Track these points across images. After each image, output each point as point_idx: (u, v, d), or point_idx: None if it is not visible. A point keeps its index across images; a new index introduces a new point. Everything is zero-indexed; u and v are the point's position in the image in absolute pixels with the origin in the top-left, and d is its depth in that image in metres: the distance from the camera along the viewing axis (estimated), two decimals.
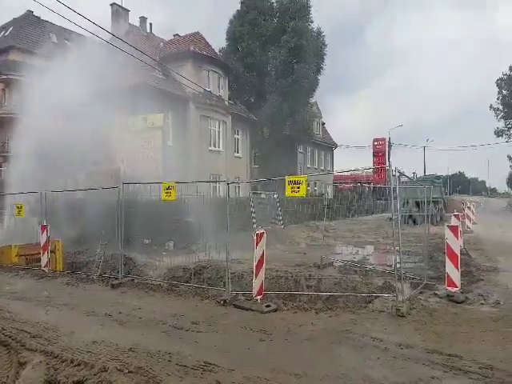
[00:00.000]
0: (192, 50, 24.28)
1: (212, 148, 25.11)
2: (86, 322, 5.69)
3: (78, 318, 5.90)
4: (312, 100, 36.25)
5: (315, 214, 19.56)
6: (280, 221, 18.21)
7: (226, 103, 26.80)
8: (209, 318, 5.72)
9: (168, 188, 7.72)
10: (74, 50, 15.20)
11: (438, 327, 5.22)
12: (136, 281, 8.24)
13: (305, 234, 17.24)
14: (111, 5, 26.67)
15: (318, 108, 40.82)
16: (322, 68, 32.98)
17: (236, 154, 28.83)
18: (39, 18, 31.28)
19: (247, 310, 6.14)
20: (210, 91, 24.49)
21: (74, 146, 13.35)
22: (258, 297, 6.24)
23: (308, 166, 39.50)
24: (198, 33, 26.72)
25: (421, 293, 6.88)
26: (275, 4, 32.41)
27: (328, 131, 46.95)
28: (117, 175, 12.42)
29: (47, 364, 4.03)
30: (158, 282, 8.12)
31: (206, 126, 24.71)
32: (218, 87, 25.93)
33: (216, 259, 9.73)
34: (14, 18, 32.16)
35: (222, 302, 6.46)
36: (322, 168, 42.87)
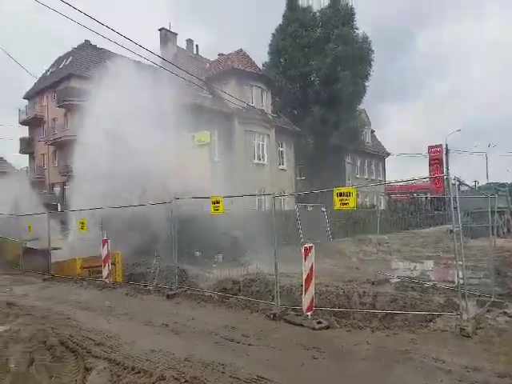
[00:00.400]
0: (235, 67, 25.05)
1: (257, 161, 25.52)
2: (145, 331, 6.01)
3: (137, 327, 6.25)
4: (360, 107, 35.57)
5: (367, 226, 19.07)
6: (329, 234, 17.99)
7: (269, 116, 27.21)
8: (259, 332, 5.80)
9: (216, 202, 7.98)
10: (127, 74, 16.25)
11: (509, 349, 4.87)
12: (189, 292, 8.55)
13: (356, 248, 16.78)
14: (160, 30, 28.24)
15: (366, 115, 39.94)
16: (369, 74, 32.15)
17: (281, 167, 29.02)
18: (96, 46, 33.80)
19: (298, 325, 6.10)
20: (253, 106, 25.04)
21: (129, 164, 14.20)
22: (309, 312, 6.19)
23: (357, 176, 38.64)
24: (241, 50, 27.54)
25: (488, 311, 6.46)
26: (318, 14, 32.57)
27: (378, 139, 45.68)
28: (168, 191, 13.03)
29: (110, 370, 4.33)
30: (209, 294, 8.38)
31: (251, 139, 25.22)
32: (261, 101, 26.46)
33: (264, 272, 9.83)
34: (74, 48, 35.04)
35: (271, 316, 6.49)
36: (373, 178, 41.57)
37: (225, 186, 17.25)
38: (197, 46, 31.59)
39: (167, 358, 4.68)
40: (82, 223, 10.69)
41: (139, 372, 4.24)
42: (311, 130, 30.12)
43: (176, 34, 28.84)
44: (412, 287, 8.64)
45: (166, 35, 27.90)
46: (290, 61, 31.02)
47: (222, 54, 30.03)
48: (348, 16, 31.14)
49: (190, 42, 31.01)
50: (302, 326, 6.05)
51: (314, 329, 5.89)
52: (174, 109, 16.40)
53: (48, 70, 36.69)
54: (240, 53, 27.28)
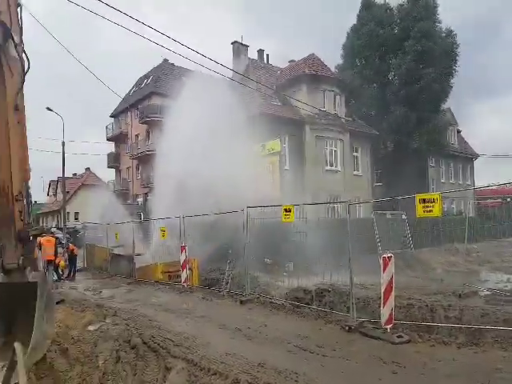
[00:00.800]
0: (306, 72, 24.97)
1: (329, 168, 25.02)
2: (219, 334, 6.18)
3: (212, 330, 6.45)
4: (444, 106, 32.88)
5: (453, 235, 17.64)
6: (410, 243, 16.95)
7: (343, 120, 26.59)
8: (334, 343, 5.64)
9: (287, 210, 7.99)
10: (201, 89, 17.12)
11: None
12: (261, 299, 8.63)
13: (441, 259, 15.69)
14: (232, 43, 29.36)
15: (452, 114, 36.82)
16: (454, 70, 29.83)
17: (355, 172, 28.08)
18: (173, 64, 36.20)
19: (376, 338, 5.82)
20: (325, 111, 24.70)
21: (204, 174, 14.87)
22: (388, 326, 5.87)
23: (442, 180, 35.51)
24: (312, 54, 27.31)
25: None
26: (395, 10, 31.28)
27: (466, 140, 41.85)
28: (240, 200, 13.41)
29: (188, 371, 4.48)
30: (281, 302, 8.36)
31: (322, 145, 24.83)
32: (334, 105, 25.95)
33: (337, 283, 9.56)
34: (154, 67, 37.94)
35: (346, 328, 6.28)
36: (460, 182, 37.65)
37: (295, 194, 17.22)
38: (267, 55, 32.25)
39: (241, 361, 4.74)
40: (163, 231, 11.39)
41: (215, 374, 4.34)
42: (390, 132, 28.73)
43: (247, 46, 29.74)
44: (505, 301, 7.89)
45: (239, 48, 28.91)
46: (366, 61, 30.22)
47: (293, 61, 30.20)
48: (429, 9, 29.20)
49: (260, 52, 31.74)
50: (380, 339, 5.76)
51: (393, 343, 5.57)
52: (246, 119, 16.85)
53: (131, 90, 40.12)
54: (311, 57, 27.11)
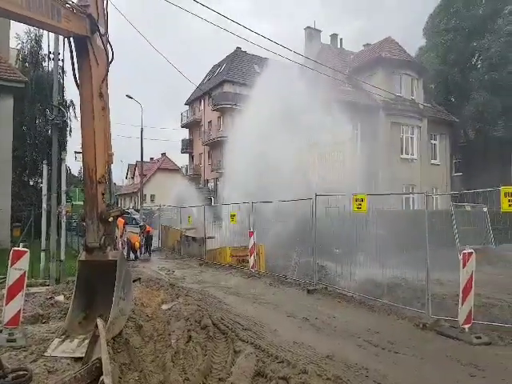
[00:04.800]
0: (382, 56, 23.69)
1: (404, 156, 23.71)
2: (287, 322, 6.20)
3: (279, 317, 6.49)
4: None
5: None
6: (491, 239, 15.53)
7: (421, 106, 24.91)
8: (407, 340, 5.39)
9: (359, 200, 7.69)
10: (273, 76, 17.04)
11: None
12: (329, 289, 8.50)
13: None
14: (305, 29, 28.77)
15: None
16: None
17: (433, 161, 26.32)
18: (245, 52, 36.50)
19: (452, 338, 5.48)
20: (401, 96, 23.30)
21: (274, 161, 14.89)
22: (466, 325, 5.49)
23: None
24: (389, 37, 25.95)
25: None
26: None
27: None
28: (310, 187, 13.21)
29: (256, 356, 4.52)
30: (351, 294, 8.14)
31: (398, 132, 23.56)
32: (412, 90, 24.44)
33: (411, 277, 9.05)
34: (227, 56, 38.58)
35: (421, 326, 5.98)
36: None
37: (368, 183, 16.55)
38: (341, 39, 31.15)
39: (309, 352, 4.70)
40: (233, 215, 11.68)
41: (282, 362, 4.34)
42: (472, 119, 26.74)
43: (320, 31, 29.03)
44: None
45: (311, 33, 28.30)
46: (449, 43, 28.08)
47: (369, 45, 28.83)
48: None
49: (334, 36, 30.71)
50: (457, 339, 5.44)
51: (471, 344, 5.25)
52: (315, 105, 16.47)
53: (205, 78, 41.31)
54: (387, 40, 25.67)
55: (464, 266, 5.52)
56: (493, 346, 5.23)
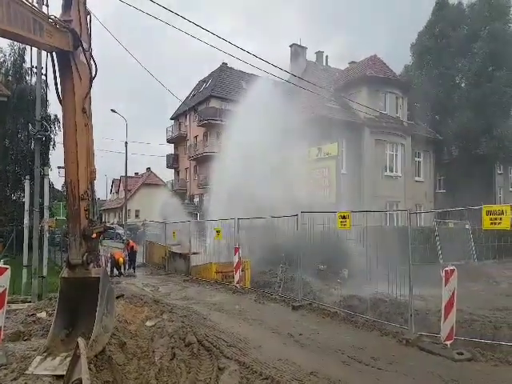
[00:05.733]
0: (367, 74, 24.27)
1: (388, 173, 24.09)
2: (271, 338, 6.19)
3: (264, 333, 6.48)
4: None
5: None
6: (473, 255, 15.84)
7: (405, 124, 25.51)
8: (390, 356, 5.43)
9: (343, 217, 7.80)
10: (259, 92, 17.29)
11: None
12: (314, 305, 8.50)
13: (507, 273, 14.51)
14: (291, 46, 29.39)
15: None
16: None
17: (417, 179, 26.84)
18: (232, 68, 36.98)
19: (435, 354, 5.54)
20: (386, 114, 23.85)
21: (259, 176, 14.99)
22: (448, 342, 5.57)
23: (511, 189, 33.20)
24: (374, 56, 26.52)
25: None
26: (466, 10, 29.81)
27: None
28: (295, 204, 13.33)
29: (240, 373, 4.51)
30: (335, 310, 8.16)
31: (382, 150, 23.98)
32: (396, 108, 25.01)
33: (394, 293, 9.15)
34: (212, 71, 38.99)
35: (404, 341, 6.04)
36: None
37: (352, 200, 16.76)
38: (326, 56, 31.92)
39: (293, 368, 4.70)
40: (218, 231, 11.66)
41: (267, 378, 4.34)
42: (455, 137, 27.58)
43: (306, 48, 29.61)
44: None
45: (297, 50, 28.88)
46: (433, 62, 29.20)
47: (354, 62, 29.56)
48: (501, 9, 27.76)
49: (319, 54, 31.44)
50: (439, 355, 5.51)
51: (453, 360, 5.32)
52: (302, 122, 16.75)
53: (191, 93, 41.59)
54: (373, 59, 26.29)
55: (446, 283, 5.60)
56: (474, 361, 5.29)
